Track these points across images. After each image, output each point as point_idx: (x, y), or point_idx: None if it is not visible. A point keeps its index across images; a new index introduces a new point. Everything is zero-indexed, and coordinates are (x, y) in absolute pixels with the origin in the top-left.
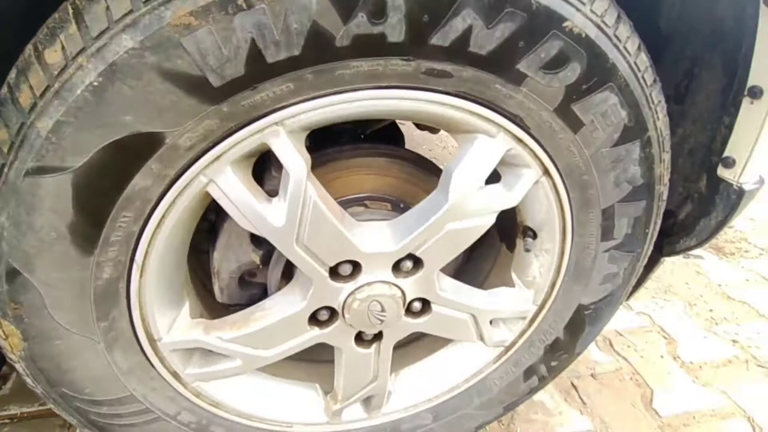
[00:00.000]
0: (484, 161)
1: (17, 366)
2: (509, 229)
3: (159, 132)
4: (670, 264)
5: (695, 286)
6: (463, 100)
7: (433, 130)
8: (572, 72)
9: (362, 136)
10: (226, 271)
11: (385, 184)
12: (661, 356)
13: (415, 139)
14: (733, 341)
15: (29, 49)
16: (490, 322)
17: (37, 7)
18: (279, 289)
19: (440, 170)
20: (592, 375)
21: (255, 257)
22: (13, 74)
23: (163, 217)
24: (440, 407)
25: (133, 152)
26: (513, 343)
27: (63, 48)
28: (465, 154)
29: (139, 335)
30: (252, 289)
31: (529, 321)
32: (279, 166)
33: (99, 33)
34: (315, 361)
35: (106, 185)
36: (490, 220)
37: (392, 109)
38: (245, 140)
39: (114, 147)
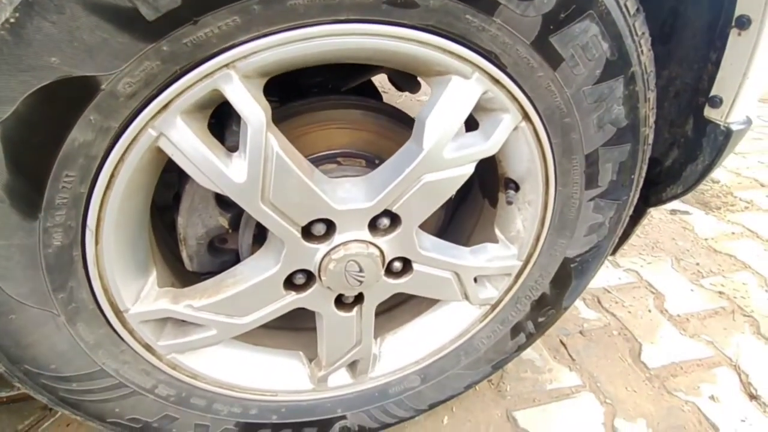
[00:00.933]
0: (459, 105)
1: None
2: (491, 184)
3: (92, 76)
4: (657, 220)
5: (682, 241)
6: (432, 35)
7: (414, 88)
8: None
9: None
10: (192, 237)
11: (358, 139)
12: (649, 310)
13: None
14: (720, 293)
15: None
16: (475, 280)
17: None
18: (251, 254)
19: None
20: (580, 332)
21: (223, 221)
22: None
23: (112, 176)
24: (428, 369)
25: (65, 100)
26: (499, 301)
27: None
28: (438, 99)
29: (103, 306)
30: (223, 256)
31: (514, 277)
32: (240, 121)
33: None
34: (297, 329)
35: (40, 139)
36: (468, 170)
37: (354, 48)
38: (194, 86)
39: (42, 94)
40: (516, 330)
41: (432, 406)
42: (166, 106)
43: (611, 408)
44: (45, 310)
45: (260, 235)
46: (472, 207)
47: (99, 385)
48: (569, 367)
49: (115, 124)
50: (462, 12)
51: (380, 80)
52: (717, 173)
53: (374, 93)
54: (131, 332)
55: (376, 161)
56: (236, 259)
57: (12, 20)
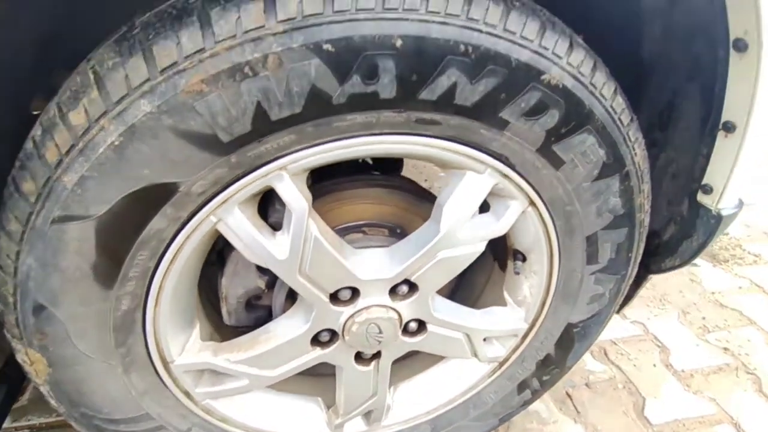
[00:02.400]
0: (473, 195)
1: (42, 389)
2: (501, 249)
3: (174, 182)
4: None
5: (689, 293)
6: (452, 142)
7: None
8: (551, 118)
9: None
10: (233, 296)
11: (382, 212)
12: (654, 365)
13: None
14: (725, 349)
15: (53, 109)
16: (484, 340)
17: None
18: (283, 311)
19: (434, 197)
20: (586, 384)
21: (260, 283)
22: (38, 131)
23: (176, 253)
24: (438, 419)
25: (150, 200)
26: (506, 359)
27: (86, 111)
28: (455, 188)
29: (154, 359)
30: (258, 312)
31: (521, 338)
32: (282, 201)
33: (119, 98)
34: (317, 375)
35: (125, 229)
36: (481, 248)
37: (386, 151)
38: (251, 184)
39: (133, 197)
40: (522, 386)
41: None
42: (227, 200)
43: None
44: (106, 362)
45: (291, 295)
46: (483, 268)
47: (142, 427)
48: (574, 420)
49: (185, 214)
50: (477, 128)
51: None
52: None
53: (395, 160)
54: (174, 380)
55: (398, 230)
56: (268, 314)
57: (117, 143)
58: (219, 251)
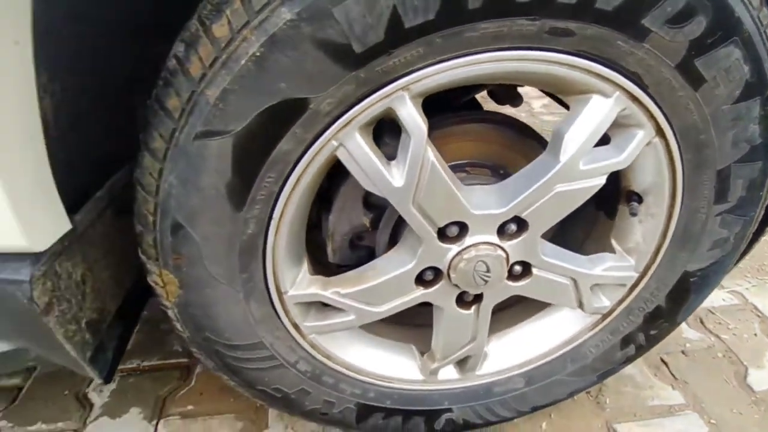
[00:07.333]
0: (598, 122)
1: (169, 312)
2: (607, 196)
3: (305, 98)
4: (763, 242)
5: None
6: (582, 58)
7: (515, 102)
8: (697, 26)
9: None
10: (339, 233)
11: (485, 150)
12: (755, 334)
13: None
14: None
15: (195, 24)
16: (591, 288)
17: None
18: (385, 251)
19: (540, 136)
20: (682, 352)
21: (366, 220)
22: (180, 48)
23: (298, 179)
24: (533, 372)
25: (282, 117)
26: (611, 311)
27: (229, 22)
28: (578, 115)
29: (270, 288)
30: (359, 252)
31: (629, 288)
32: (391, 134)
33: (261, 7)
34: (407, 324)
35: (258, 148)
36: (600, 182)
37: (510, 71)
38: (374, 105)
39: (268, 112)
40: (626, 341)
41: (534, 410)
42: (349, 122)
43: (716, 428)
44: (231, 287)
45: (394, 235)
46: (583, 217)
47: (257, 355)
48: (672, 386)
49: (310, 136)
50: (614, 39)
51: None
52: None
53: (477, 107)
54: (286, 312)
55: (500, 171)
56: (369, 255)
57: (258, 54)
58: (325, 190)
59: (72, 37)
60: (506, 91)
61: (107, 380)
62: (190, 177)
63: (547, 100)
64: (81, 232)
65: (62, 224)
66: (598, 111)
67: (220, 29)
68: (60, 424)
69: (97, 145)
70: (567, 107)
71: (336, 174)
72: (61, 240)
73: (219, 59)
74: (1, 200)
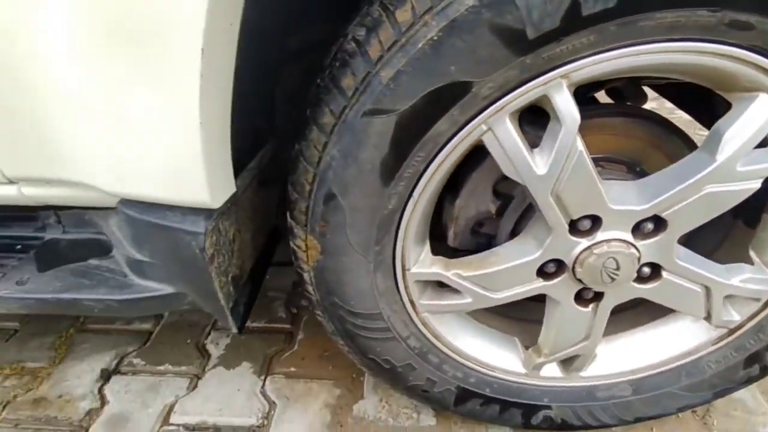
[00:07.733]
0: (763, 122)
1: (305, 275)
2: (749, 204)
3: (470, 81)
4: None
5: None
6: (756, 54)
7: (640, 100)
8: None
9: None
10: (464, 217)
11: (624, 145)
12: None
13: None
14: None
15: (377, 9)
16: (724, 299)
17: None
18: (507, 241)
19: (687, 135)
20: None
21: (492, 207)
22: (360, 32)
23: (444, 159)
24: (643, 381)
25: (445, 99)
26: (739, 326)
27: (413, 8)
28: (741, 114)
29: (396, 262)
30: (479, 239)
31: (763, 304)
32: (531, 122)
33: None
34: (512, 317)
35: (417, 127)
36: (756, 185)
37: (676, 62)
38: (531, 92)
39: (433, 94)
40: (751, 360)
41: (637, 420)
42: (503, 107)
43: None
44: (364, 257)
45: (517, 226)
46: (716, 224)
47: (374, 325)
48: None
49: (464, 118)
50: None
51: None
52: None
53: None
54: (406, 288)
55: (637, 168)
56: (488, 243)
57: (435, 38)
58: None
59: (255, 24)
60: (632, 89)
61: (240, 331)
62: (352, 151)
63: (656, 103)
64: (238, 196)
65: (231, 187)
66: (764, 110)
67: (403, 14)
68: (183, 368)
69: (253, 121)
70: (688, 111)
71: (466, 161)
72: (227, 201)
73: (398, 42)
74: (198, 160)
